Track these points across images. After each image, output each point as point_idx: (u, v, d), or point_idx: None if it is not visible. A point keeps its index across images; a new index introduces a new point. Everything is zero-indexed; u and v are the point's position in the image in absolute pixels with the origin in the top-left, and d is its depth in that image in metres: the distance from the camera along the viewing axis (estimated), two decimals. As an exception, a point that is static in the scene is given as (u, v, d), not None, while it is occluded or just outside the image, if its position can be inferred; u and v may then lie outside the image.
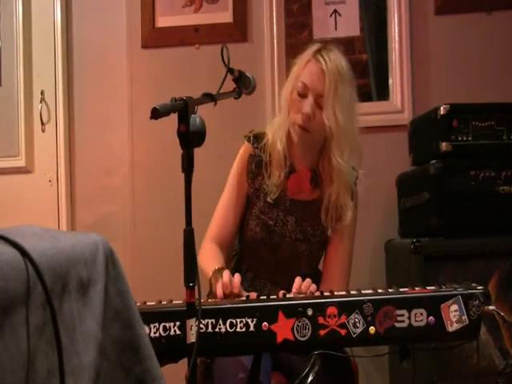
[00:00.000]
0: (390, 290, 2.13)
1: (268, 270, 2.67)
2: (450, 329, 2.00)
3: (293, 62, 2.67)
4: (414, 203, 3.24)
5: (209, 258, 2.56)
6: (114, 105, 3.96)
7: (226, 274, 2.30)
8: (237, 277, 2.30)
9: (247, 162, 2.69)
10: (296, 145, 2.61)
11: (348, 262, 2.70)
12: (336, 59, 2.55)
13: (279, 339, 1.99)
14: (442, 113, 3.03)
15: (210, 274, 2.45)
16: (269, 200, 2.63)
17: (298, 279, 2.32)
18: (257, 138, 2.70)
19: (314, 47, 2.61)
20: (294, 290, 2.28)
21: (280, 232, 2.63)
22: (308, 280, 2.32)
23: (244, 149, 2.72)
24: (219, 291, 2.26)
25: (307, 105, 2.51)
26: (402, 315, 1.99)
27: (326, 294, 2.21)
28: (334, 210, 2.62)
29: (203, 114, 1.89)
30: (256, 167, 2.67)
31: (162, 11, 3.91)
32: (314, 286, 2.30)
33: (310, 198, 2.67)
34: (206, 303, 2.13)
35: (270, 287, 2.65)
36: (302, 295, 2.23)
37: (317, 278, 2.64)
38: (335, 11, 3.80)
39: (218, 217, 2.70)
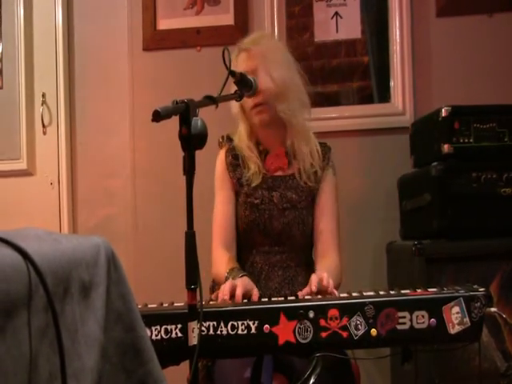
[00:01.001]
0: (391, 292, 2.13)
1: (262, 253, 2.72)
2: (452, 331, 2.00)
3: None
4: (416, 205, 3.24)
5: (221, 264, 2.61)
6: (115, 107, 3.96)
7: (233, 284, 2.31)
8: (238, 289, 2.28)
9: (225, 157, 2.81)
10: (261, 127, 2.75)
11: (336, 227, 2.77)
12: (256, 37, 2.83)
13: (281, 341, 1.99)
14: (443, 115, 3.03)
15: (225, 275, 2.49)
16: (253, 185, 2.73)
17: (314, 276, 2.32)
18: (229, 138, 2.85)
19: (236, 47, 2.78)
20: (313, 287, 2.26)
21: (268, 208, 2.71)
22: (325, 274, 2.32)
23: (221, 151, 2.86)
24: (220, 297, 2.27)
25: None
26: (404, 317, 1.99)
27: (328, 296, 2.21)
28: (301, 161, 2.74)
29: (205, 116, 1.89)
30: (234, 159, 2.80)
31: (164, 13, 3.91)
32: (332, 281, 2.31)
33: (289, 172, 2.78)
34: (208, 306, 2.13)
35: (267, 270, 2.69)
36: (308, 297, 2.23)
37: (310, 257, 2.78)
38: (336, 13, 3.80)
39: (218, 220, 2.76)
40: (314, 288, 2.25)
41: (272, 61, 2.69)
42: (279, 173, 2.77)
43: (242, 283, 2.31)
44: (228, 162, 2.79)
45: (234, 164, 2.79)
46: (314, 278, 2.30)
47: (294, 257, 2.72)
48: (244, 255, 2.76)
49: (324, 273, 2.34)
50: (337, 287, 2.43)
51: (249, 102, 2.66)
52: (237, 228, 2.76)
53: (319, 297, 2.22)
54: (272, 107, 2.68)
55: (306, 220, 2.73)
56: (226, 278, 2.45)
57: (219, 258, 2.65)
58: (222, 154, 2.84)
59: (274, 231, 2.70)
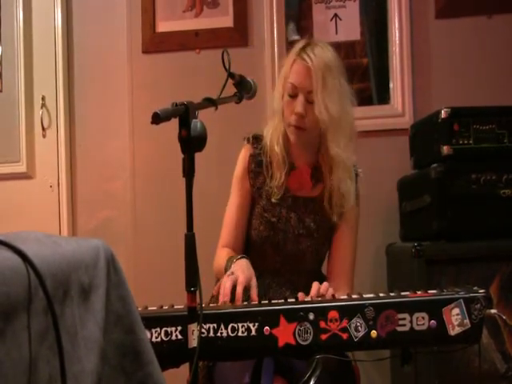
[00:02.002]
0: (391, 294, 2.13)
1: (273, 270, 2.67)
2: (452, 332, 1.99)
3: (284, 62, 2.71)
4: (415, 207, 3.24)
5: (222, 258, 2.58)
6: (114, 110, 3.97)
7: (233, 280, 2.30)
8: (239, 287, 2.28)
9: (248, 163, 2.71)
10: (294, 144, 2.64)
11: (352, 260, 2.70)
12: (321, 52, 2.59)
13: (281, 343, 1.99)
14: (443, 116, 3.03)
15: (225, 263, 2.48)
16: (273, 200, 2.64)
17: (315, 283, 2.32)
18: (256, 139, 2.74)
19: (299, 45, 2.65)
20: (312, 293, 2.26)
21: (283, 229, 2.64)
22: (326, 283, 2.32)
23: (244, 150, 2.75)
24: (220, 299, 2.27)
25: (298, 104, 2.54)
26: (404, 319, 1.99)
27: (328, 298, 2.21)
28: (337, 198, 2.63)
29: (204, 118, 1.89)
30: (257, 166, 2.69)
31: (163, 16, 3.91)
32: (331, 289, 2.30)
33: (311, 194, 2.69)
34: (208, 308, 2.13)
35: (275, 287, 2.66)
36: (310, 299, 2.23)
37: (321, 280, 2.65)
38: (336, 15, 3.81)
39: (228, 224, 2.71)
40: (312, 294, 2.25)
41: (331, 90, 2.54)
42: (301, 193, 2.68)
43: (242, 275, 2.31)
44: (250, 169, 2.70)
45: (256, 172, 2.69)
46: (314, 287, 2.30)
47: (304, 279, 2.65)
48: (253, 262, 2.69)
49: (325, 282, 2.33)
50: None
51: (290, 118, 2.57)
52: (249, 237, 2.71)
53: (319, 299, 2.22)
54: (312, 135, 2.60)
55: (321, 248, 2.69)
56: (226, 267, 2.45)
57: (220, 256, 2.61)
58: (245, 154, 2.72)
59: (286, 253, 2.65)
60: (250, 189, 2.71)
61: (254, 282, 2.34)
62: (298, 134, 2.59)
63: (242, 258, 2.46)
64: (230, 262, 2.47)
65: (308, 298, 2.22)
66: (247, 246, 2.75)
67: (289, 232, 2.64)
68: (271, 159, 2.67)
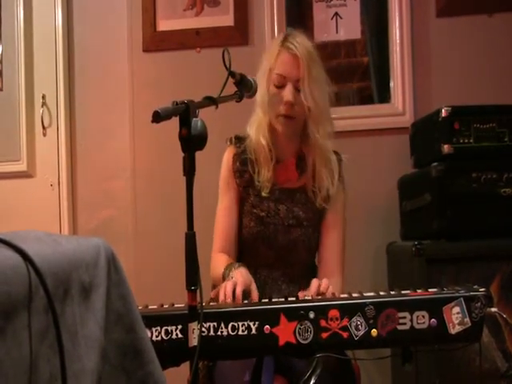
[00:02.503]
0: (391, 293, 2.13)
1: (267, 265, 2.69)
2: (453, 331, 1.99)
3: (262, 58, 2.74)
4: (416, 206, 3.24)
5: (219, 264, 2.58)
6: (115, 108, 3.96)
7: (234, 283, 2.31)
8: (238, 288, 2.29)
9: (232, 163, 2.74)
10: (281, 135, 2.67)
11: (341, 247, 2.72)
12: (304, 42, 2.64)
13: (281, 342, 1.99)
14: (443, 115, 3.03)
15: (222, 270, 2.48)
16: (263, 194, 2.66)
17: (315, 280, 2.33)
18: (239, 139, 2.76)
19: (280, 38, 2.69)
20: (312, 291, 2.27)
21: (273, 222, 2.66)
22: (325, 280, 2.32)
23: (227, 152, 2.78)
24: (221, 298, 2.27)
25: (288, 93, 2.57)
26: (404, 318, 1.99)
27: (328, 296, 2.21)
28: (319, 181, 2.67)
29: (205, 117, 1.89)
30: (241, 165, 2.72)
31: (163, 15, 3.91)
32: (332, 287, 2.31)
33: (298, 184, 2.71)
34: (208, 307, 2.13)
35: (271, 283, 2.67)
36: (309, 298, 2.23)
37: (315, 272, 2.73)
38: (336, 14, 3.81)
39: (220, 228, 2.73)
40: (313, 291, 2.26)
41: (316, 78, 2.60)
42: (288, 185, 2.71)
43: (241, 279, 2.32)
44: (235, 169, 2.72)
45: (241, 170, 2.71)
46: (314, 284, 2.30)
47: (298, 271, 2.69)
48: (248, 265, 2.71)
49: (325, 278, 2.34)
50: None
51: (279, 108, 2.59)
52: (241, 235, 2.72)
53: (319, 297, 2.22)
54: (300, 123, 2.64)
55: (312, 237, 2.70)
56: (224, 275, 2.45)
57: (217, 262, 2.62)
58: (228, 156, 2.75)
59: (278, 246, 2.66)
60: (236, 188, 2.73)
61: (253, 286, 2.34)
62: (287, 124, 2.61)
63: (240, 266, 2.46)
64: (228, 269, 2.47)
65: (308, 296, 2.22)
66: (240, 246, 2.76)
67: (279, 224, 2.66)
68: (257, 155, 2.69)
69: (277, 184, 2.70)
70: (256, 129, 2.70)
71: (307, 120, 2.62)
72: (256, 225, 2.67)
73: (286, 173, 2.70)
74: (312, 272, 2.74)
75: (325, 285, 2.29)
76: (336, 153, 2.74)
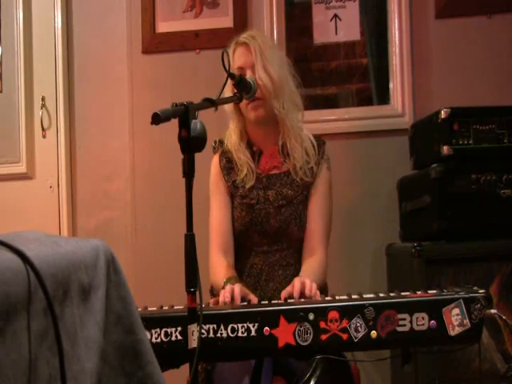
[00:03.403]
0: (391, 294, 2.14)
1: (262, 254, 2.72)
2: (452, 332, 2.00)
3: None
4: (415, 207, 3.24)
5: (219, 272, 2.62)
6: (114, 110, 3.96)
7: (231, 288, 2.32)
8: (236, 288, 2.30)
9: (219, 161, 2.81)
10: (254, 127, 2.76)
11: (325, 221, 2.77)
12: (255, 33, 2.81)
13: (281, 344, 1.99)
14: (442, 116, 3.03)
15: (222, 283, 2.49)
16: (247, 186, 2.73)
17: (297, 280, 2.33)
18: (221, 142, 2.85)
19: (234, 39, 2.79)
20: (296, 292, 2.27)
21: (264, 207, 2.71)
22: (308, 281, 2.32)
23: (214, 155, 2.87)
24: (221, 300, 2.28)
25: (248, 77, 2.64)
26: (404, 319, 1.99)
27: (327, 298, 2.21)
28: (297, 156, 2.73)
29: (204, 119, 1.89)
30: (227, 162, 2.80)
31: (163, 16, 3.91)
32: (315, 286, 2.31)
33: (284, 169, 2.77)
34: (208, 308, 2.13)
35: (267, 270, 2.70)
36: (303, 299, 2.24)
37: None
38: (335, 16, 3.80)
39: (215, 226, 2.76)
40: (295, 295, 2.27)
41: (269, 57, 2.69)
42: (274, 171, 2.76)
43: (239, 287, 2.33)
44: (222, 166, 2.79)
45: (227, 167, 2.79)
46: (296, 284, 2.31)
47: (293, 253, 2.72)
48: (243, 258, 2.75)
49: (307, 279, 2.35)
50: (320, 287, 2.43)
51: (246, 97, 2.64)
52: (234, 230, 2.75)
53: (318, 299, 2.22)
54: (268, 103, 2.68)
55: (303, 214, 2.72)
56: (223, 288, 2.46)
57: (217, 266, 2.66)
58: (215, 158, 2.84)
59: (271, 229, 2.69)
60: (226, 185, 2.78)
61: (252, 295, 2.35)
62: (255, 107, 2.67)
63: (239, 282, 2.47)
64: (226, 284, 2.46)
65: (291, 299, 2.24)
66: (234, 241, 2.78)
67: (269, 208, 2.70)
68: (234, 156, 2.78)
69: (263, 173, 2.76)
70: (230, 131, 2.82)
71: (271, 98, 2.68)
72: (247, 214, 2.71)
73: (271, 161, 2.76)
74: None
75: (308, 287, 2.29)
76: (317, 138, 2.83)
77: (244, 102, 2.63)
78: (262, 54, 2.67)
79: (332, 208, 2.81)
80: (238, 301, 2.24)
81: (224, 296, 2.27)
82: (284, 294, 2.31)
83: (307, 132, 2.80)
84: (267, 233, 2.70)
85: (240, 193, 2.73)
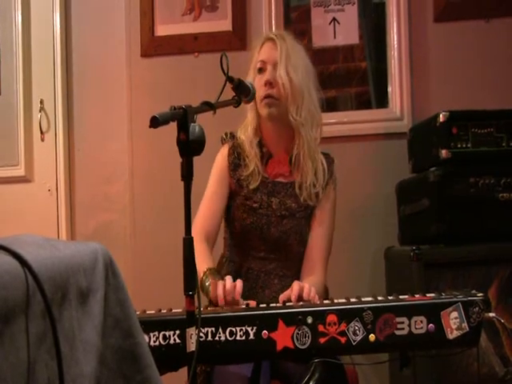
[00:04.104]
0: (389, 298, 2.14)
1: (259, 260, 2.70)
2: (450, 336, 2.00)
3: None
4: (414, 210, 3.24)
5: (198, 258, 2.55)
6: (113, 113, 3.96)
7: (229, 280, 2.30)
8: (238, 283, 2.30)
9: (228, 154, 2.77)
10: (267, 124, 2.73)
11: (327, 245, 2.74)
12: (284, 34, 2.81)
13: (279, 347, 1.99)
14: (441, 120, 3.03)
15: (201, 274, 2.46)
16: (251, 187, 2.70)
17: (296, 284, 2.33)
18: (232, 135, 2.83)
19: (263, 35, 2.85)
20: (294, 295, 2.27)
21: (266, 213, 2.68)
22: (307, 286, 2.32)
23: (223, 147, 2.82)
24: (220, 297, 2.26)
25: (267, 73, 2.66)
26: (402, 323, 1.99)
27: (326, 301, 2.21)
28: (307, 177, 2.69)
29: (202, 122, 1.89)
30: (236, 158, 2.75)
31: (162, 19, 3.91)
32: (313, 290, 2.31)
33: (290, 179, 2.73)
34: (206, 312, 2.13)
35: (263, 277, 2.68)
36: (301, 303, 2.24)
37: None
38: (334, 19, 3.81)
39: (204, 209, 2.72)
40: (293, 298, 2.26)
41: (293, 61, 2.67)
42: (280, 179, 2.73)
43: (241, 283, 2.32)
44: (231, 161, 2.75)
45: (236, 163, 2.74)
46: (295, 287, 2.30)
47: (290, 266, 2.70)
48: (240, 259, 2.73)
49: (306, 284, 2.34)
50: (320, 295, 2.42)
51: (261, 91, 2.63)
52: (233, 229, 2.74)
53: (317, 302, 2.22)
54: (283, 105, 2.65)
55: (304, 230, 2.71)
56: (202, 280, 2.44)
57: (197, 252, 2.61)
58: (225, 149, 2.79)
59: (270, 238, 2.67)
60: (229, 180, 2.75)
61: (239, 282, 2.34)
62: (269, 104, 2.65)
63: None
64: (206, 277, 2.45)
65: (289, 302, 2.23)
66: (232, 241, 2.78)
67: (271, 216, 2.68)
68: (244, 148, 2.74)
69: (269, 177, 2.73)
70: (244, 127, 2.78)
71: (286, 101, 2.65)
72: (248, 216, 2.68)
73: (279, 167, 2.74)
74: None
75: (307, 291, 2.29)
76: (327, 154, 2.79)
77: (259, 95, 2.63)
78: (288, 56, 2.65)
79: (334, 227, 2.79)
80: (238, 296, 2.24)
81: (218, 292, 2.25)
82: (282, 297, 2.31)
83: (321, 156, 2.75)
84: (266, 240, 2.68)
85: (244, 193, 2.70)
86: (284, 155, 2.73)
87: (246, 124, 2.78)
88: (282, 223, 2.67)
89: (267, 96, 2.64)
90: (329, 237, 2.75)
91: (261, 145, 2.75)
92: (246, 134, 2.75)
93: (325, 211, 2.73)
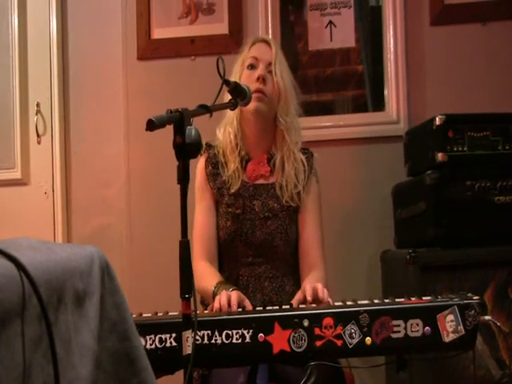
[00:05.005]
0: (386, 301, 2.14)
1: (247, 265, 2.69)
2: (447, 339, 2.00)
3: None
4: (410, 214, 3.24)
5: (207, 278, 2.58)
6: (109, 116, 3.96)
7: (224, 295, 2.31)
8: (233, 295, 2.29)
9: (205, 166, 2.78)
10: (251, 120, 2.72)
11: (319, 235, 2.76)
12: (271, 39, 3.00)
13: (275, 350, 1.99)
14: (437, 123, 3.03)
15: (213, 289, 2.48)
16: (232, 191, 2.70)
17: (308, 286, 2.33)
18: (208, 146, 2.82)
19: (252, 38, 2.90)
20: (309, 297, 2.27)
21: (249, 218, 2.68)
22: (320, 286, 2.32)
23: (200, 160, 2.82)
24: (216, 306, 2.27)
25: (260, 69, 2.71)
26: (399, 326, 1.99)
27: (322, 305, 2.21)
28: (288, 184, 2.71)
29: (199, 125, 1.89)
30: (214, 168, 2.77)
31: (158, 23, 3.91)
32: (326, 293, 2.31)
33: (271, 180, 2.75)
34: (202, 315, 2.13)
35: (253, 282, 2.67)
36: (303, 306, 2.24)
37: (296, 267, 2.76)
38: (330, 22, 3.81)
39: (199, 231, 2.72)
40: (309, 298, 2.26)
41: (283, 64, 2.76)
42: (261, 181, 2.75)
43: (236, 294, 2.32)
44: (208, 172, 2.76)
45: (213, 173, 2.75)
46: (308, 288, 2.30)
47: (278, 266, 2.70)
48: (228, 268, 2.72)
49: (318, 283, 2.34)
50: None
51: (252, 86, 2.60)
52: (218, 239, 2.73)
53: (313, 305, 2.22)
54: (272, 104, 2.69)
55: (289, 229, 2.71)
56: (214, 293, 2.45)
57: (203, 272, 2.61)
58: (201, 162, 2.80)
59: (256, 241, 2.67)
60: (211, 192, 2.75)
61: (247, 302, 2.34)
62: (260, 99, 2.65)
63: (234, 289, 2.44)
64: (217, 289, 2.46)
65: (303, 305, 2.23)
66: (218, 250, 2.76)
67: (255, 219, 2.68)
68: (225, 151, 2.76)
69: (250, 181, 2.74)
70: (225, 126, 2.79)
71: (277, 102, 2.70)
72: (232, 223, 2.68)
73: (258, 169, 2.75)
74: (293, 267, 2.76)
75: (321, 290, 2.29)
76: (306, 149, 2.82)
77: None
78: (281, 59, 2.74)
79: (322, 218, 2.81)
80: (234, 307, 2.24)
81: (221, 303, 2.26)
82: (296, 302, 2.31)
83: (301, 155, 2.76)
84: (252, 244, 2.67)
85: (225, 200, 2.71)
86: (263, 155, 2.76)
87: (225, 122, 2.80)
88: (267, 225, 2.68)
89: (258, 90, 2.65)
90: (320, 229, 2.77)
91: (239, 148, 2.75)
92: (225, 133, 2.77)
93: (311, 204, 2.75)
